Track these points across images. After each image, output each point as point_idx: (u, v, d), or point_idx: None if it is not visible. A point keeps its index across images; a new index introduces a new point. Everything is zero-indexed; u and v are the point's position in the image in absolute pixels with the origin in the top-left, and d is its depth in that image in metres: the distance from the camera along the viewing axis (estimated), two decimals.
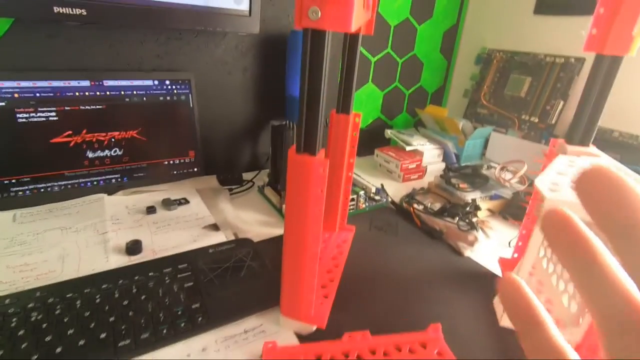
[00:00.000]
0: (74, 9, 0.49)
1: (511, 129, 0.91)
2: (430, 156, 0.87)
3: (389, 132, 0.92)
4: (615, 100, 0.72)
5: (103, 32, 0.58)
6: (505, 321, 0.33)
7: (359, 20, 0.28)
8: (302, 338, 0.39)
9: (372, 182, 0.77)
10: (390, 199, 0.72)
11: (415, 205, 0.68)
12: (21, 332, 0.35)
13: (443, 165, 0.87)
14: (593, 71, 0.39)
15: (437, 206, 0.68)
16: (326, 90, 0.30)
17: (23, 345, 0.34)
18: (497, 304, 0.36)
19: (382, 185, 0.76)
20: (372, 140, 0.95)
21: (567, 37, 0.82)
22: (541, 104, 0.86)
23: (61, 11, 0.48)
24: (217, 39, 0.68)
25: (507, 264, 0.51)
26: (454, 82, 1.08)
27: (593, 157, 0.38)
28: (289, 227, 0.34)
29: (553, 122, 0.84)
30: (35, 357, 0.33)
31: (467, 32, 1.03)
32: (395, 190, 0.77)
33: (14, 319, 0.36)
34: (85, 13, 0.50)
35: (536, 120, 0.86)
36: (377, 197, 0.71)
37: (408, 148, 0.86)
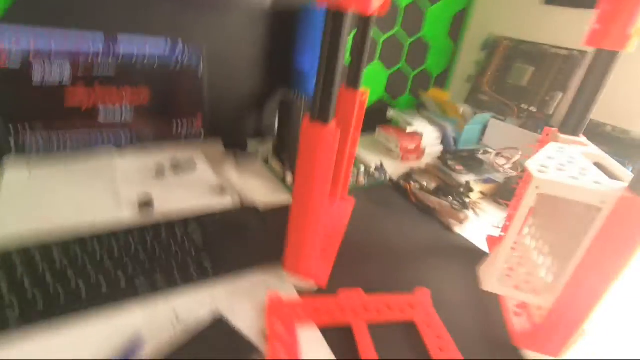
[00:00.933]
0: None
1: (510, 117, 0.93)
2: (430, 138, 0.90)
3: (391, 112, 0.94)
4: (610, 96, 0.75)
5: None
6: (488, 286, 0.37)
7: (377, 2, 0.30)
8: (301, 293, 0.43)
9: (372, 159, 0.80)
10: (388, 176, 0.75)
11: (412, 184, 0.71)
12: (47, 278, 0.38)
13: (441, 147, 0.90)
14: (591, 65, 0.42)
15: (432, 186, 0.71)
16: (341, 65, 0.32)
17: (51, 290, 0.37)
18: (481, 270, 0.40)
19: (381, 162, 0.79)
20: (374, 118, 0.96)
21: (574, 29, 0.83)
22: (541, 94, 0.88)
23: None
24: (230, 11, 0.68)
25: (494, 241, 0.55)
26: (459, 67, 1.09)
27: (582, 146, 0.41)
28: (298, 190, 0.37)
29: (551, 112, 0.86)
30: (63, 299, 0.36)
31: (476, 17, 1.03)
32: (394, 169, 0.80)
33: (40, 265, 0.39)
34: None
35: (535, 110, 0.89)
36: (376, 174, 0.74)
37: (409, 129, 0.88)
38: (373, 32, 0.89)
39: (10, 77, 0.53)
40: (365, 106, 0.54)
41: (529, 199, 0.31)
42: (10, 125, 0.56)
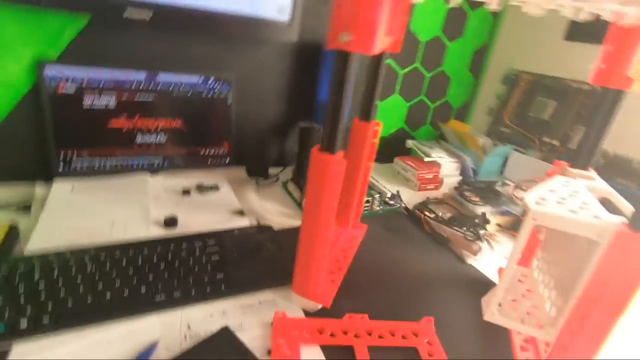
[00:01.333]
0: (142, 12, 0.57)
1: (531, 149, 0.93)
2: (448, 169, 0.91)
3: (410, 142, 0.97)
4: (637, 130, 0.74)
5: (161, 33, 0.66)
6: (488, 316, 0.37)
7: (381, 44, 0.33)
8: (308, 314, 0.44)
9: (389, 188, 0.82)
10: (403, 205, 0.76)
11: (427, 213, 0.72)
12: (79, 280, 0.42)
13: (460, 178, 0.90)
14: (598, 102, 0.43)
15: (447, 216, 0.72)
16: (350, 101, 0.36)
17: (80, 290, 0.41)
18: (483, 300, 0.40)
19: (397, 191, 0.80)
20: (393, 148, 0.99)
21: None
22: (564, 128, 0.88)
23: (131, 16, 0.56)
24: (259, 44, 0.75)
25: None
26: (480, 100, 1.11)
27: (589, 180, 0.41)
28: (306, 215, 0.40)
29: (574, 147, 0.85)
30: (90, 300, 0.40)
31: (497, 52, 1.05)
32: (410, 198, 0.81)
33: (73, 269, 0.44)
34: (148, 18, 0.58)
35: (557, 143, 0.88)
36: (391, 202, 0.75)
37: (427, 159, 0.90)
38: (393, 66, 0.94)
39: (65, 101, 0.61)
40: (379, 137, 0.56)
41: (525, 231, 0.32)
42: (61, 151, 0.63)
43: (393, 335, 0.42)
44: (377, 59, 0.49)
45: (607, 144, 0.80)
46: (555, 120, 0.90)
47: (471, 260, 0.60)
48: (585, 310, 0.32)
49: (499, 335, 0.45)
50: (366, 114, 0.53)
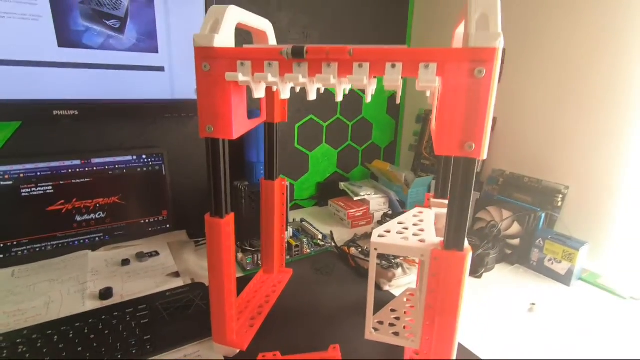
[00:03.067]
0: (68, 111, 0.65)
1: None
2: (377, 204, 1.00)
3: (342, 185, 1.06)
4: (525, 151, 0.86)
5: (91, 123, 0.75)
6: (367, 336, 0.44)
7: (241, 130, 0.43)
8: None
9: (325, 229, 0.90)
10: (334, 244, 0.84)
11: (353, 249, 0.80)
12: None
13: (383, 213, 0.99)
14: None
15: None
16: (228, 177, 0.44)
17: None
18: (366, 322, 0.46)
19: (331, 232, 0.88)
20: (330, 191, 1.09)
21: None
22: None
23: (59, 113, 0.65)
24: (185, 120, 0.84)
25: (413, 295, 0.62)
26: (403, 138, 1.24)
27: (442, 208, 0.51)
28: (211, 272, 0.47)
29: (479, 170, 0.97)
30: None
31: (408, 96, 1.20)
32: (343, 235, 0.89)
33: (5, 352, 0.47)
34: (77, 113, 0.66)
35: None
36: (322, 243, 0.83)
37: (356, 198, 0.99)
38: (316, 120, 1.06)
39: (3, 194, 0.66)
40: (286, 193, 0.65)
41: (372, 257, 0.41)
42: (1, 243, 0.67)
43: None
44: (270, 130, 0.59)
45: (504, 165, 0.94)
46: None
47: (387, 287, 0.67)
48: (430, 318, 0.40)
49: (398, 352, 0.51)
50: (270, 173, 0.62)
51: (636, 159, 0.71)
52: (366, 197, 1.00)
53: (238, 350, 0.50)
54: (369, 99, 0.38)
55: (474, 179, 0.35)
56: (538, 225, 0.78)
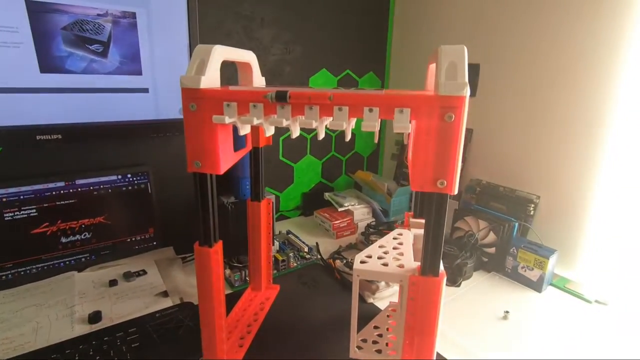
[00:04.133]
0: (51, 135, 0.65)
1: None
2: (360, 214, 1.03)
3: (326, 195, 1.09)
4: (500, 161, 0.91)
5: (75, 145, 0.75)
6: (352, 354, 0.46)
7: (228, 164, 0.45)
8: None
9: (311, 240, 0.92)
10: (319, 256, 0.86)
11: (338, 261, 0.83)
12: None
13: (366, 223, 1.02)
14: None
15: None
16: (216, 209, 0.46)
17: None
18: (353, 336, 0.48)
19: (317, 243, 0.91)
20: (315, 201, 1.11)
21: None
22: None
23: (42, 137, 0.65)
24: (169, 139, 0.85)
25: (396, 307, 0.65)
26: (386, 148, 1.28)
27: (420, 228, 0.54)
28: (200, 297, 0.48)
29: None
30: None
31: None
32: (329, 247, 0.91)
33: None
34: (61, 137, 0.66)
35: None
36: (308, 256, 0.85)
37: (340, 209, 1.02)
38: (300, 133, 1.07)
39: None
40: (272, 212, 0.67)
41: (355, 283, 0.43)
42: None
43: None
44: (256, 154, 0.61)
45: (481, 174, 0.98)
46: None
47: (371, 299, 0.70)
48: (410, 338, 0.43)
49: None
50: (256, 194, 0.64)
51: (603, 170, 0.76)
52: (350, 207, 1.02)
53: None
54: (348, 138, 0.41)
55: (446, 212, 0.38)
56: (512, 234, 0.82)
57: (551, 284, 0.77)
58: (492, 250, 0.83)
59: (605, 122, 0.74)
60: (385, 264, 0.43)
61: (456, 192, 0.37)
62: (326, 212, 1.03)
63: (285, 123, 0.38)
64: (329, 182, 1.19)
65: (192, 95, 0.40)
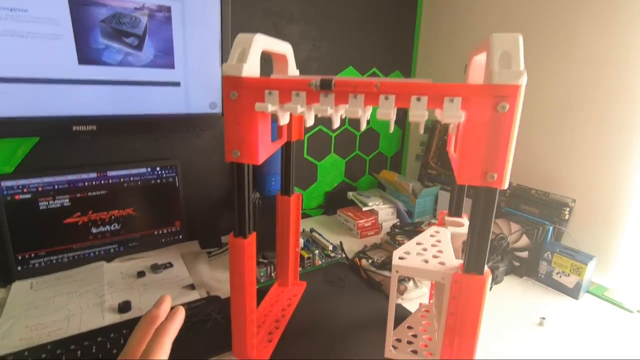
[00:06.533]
0: (87, 126, 0.67)
1: None
2: (385, 214, 1.01)
3: (350, 194, 1.08)
4: (532, 163, 0.88)
5: (108, 137, 0.76)
6: (387, 354, 0.45)
7: (265, 154, 0.44)
8: None
9: (334, 239, 0.91)
10: (344, 255, 0.85)
11: (364, 260, 0.81)
12: None
13: (392, 223, 1.01)
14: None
15: (382, 260, 0.81)
16: (251, 199, 0.45)
17: None
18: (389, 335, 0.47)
19: (340, 242, 0.90)
20: (338, 200, 1.10)
21: None
22: None
23: (78, 128, 0.66)
24: (198, 133, 0.86)
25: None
26: (410, 148, 1.25)
27: (457, 227, 0.52)
28: (232, 289, 0.48)
29: None
30: None
31: None
32: (353, 246, 0.90)
33: None
34: (95, 128, 0.67)
35: None
36: (332, 254, 0.84)
37: (364, 208, 1.01)
38: (325, 131, 1.07)
39: (22, 207, 0.68)
40: (301, 207, 0.66)
41: (394, 280, 0.42)
42: (19, 255, 0.68)
43: None
44: (288, 148, 0.61)
45: (512, 176, 0.95)
46: None
47: (399, 300, 0.69)
48: (450, 338, 0.41)
49: None
50: (286, 189, 0.63)
51: None
52: (375, 207, 1.01)
53: None
54: (392, 129, 0.39)
55: (495, 207, 0.37)
56: (546, 238, 0.79)
57: (588, 291, 0.74)
58: (525, 254, 0.80)
59: None
60: (426, 261, 0.42)
61: (506, 186, 0.35)
62: (350, 211, 1.02)
63: (329, 111, 0.37)
64: (351, 182, 1.18)
65: (233, 84, 0.39)
